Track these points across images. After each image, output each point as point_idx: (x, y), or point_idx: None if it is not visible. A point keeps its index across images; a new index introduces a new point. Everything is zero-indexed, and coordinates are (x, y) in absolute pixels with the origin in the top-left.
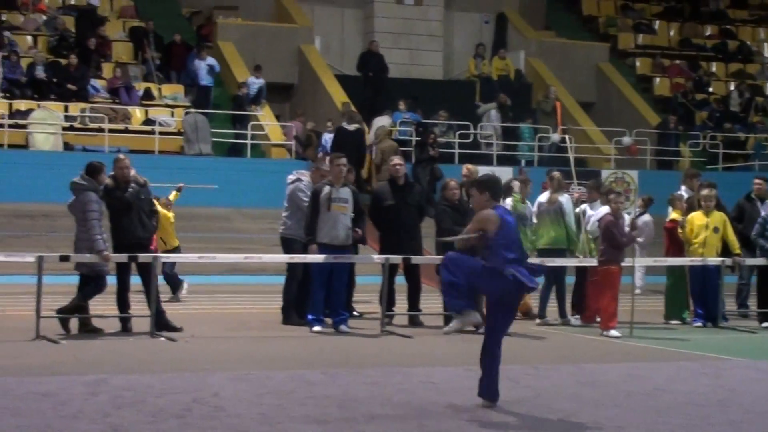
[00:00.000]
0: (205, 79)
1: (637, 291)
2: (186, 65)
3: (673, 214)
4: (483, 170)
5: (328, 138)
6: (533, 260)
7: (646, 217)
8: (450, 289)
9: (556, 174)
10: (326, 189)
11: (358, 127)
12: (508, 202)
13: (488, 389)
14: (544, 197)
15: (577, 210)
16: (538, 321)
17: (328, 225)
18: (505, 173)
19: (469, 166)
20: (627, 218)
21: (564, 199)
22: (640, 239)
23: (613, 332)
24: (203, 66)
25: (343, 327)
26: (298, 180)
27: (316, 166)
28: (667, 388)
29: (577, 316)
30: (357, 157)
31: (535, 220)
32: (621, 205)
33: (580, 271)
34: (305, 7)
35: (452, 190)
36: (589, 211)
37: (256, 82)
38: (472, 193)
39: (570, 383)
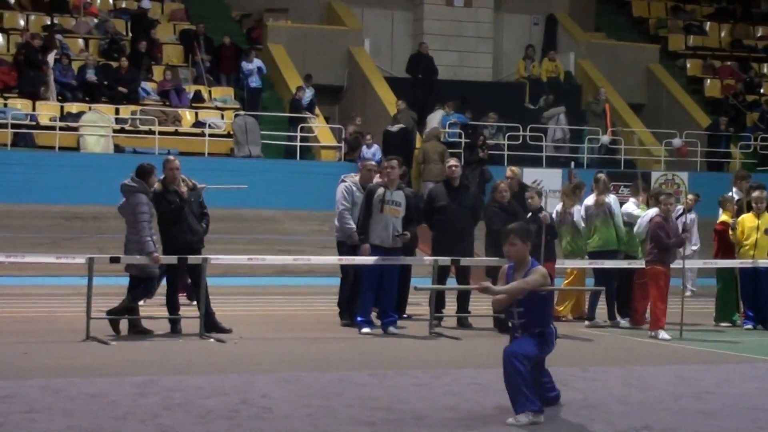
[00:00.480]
0: (255, 81)
1: (688, 293)
2: (237, 67)
3: (723, 216)
4: (532, 173)
5: (366, 151)
6: (583, 263)
7: (692, 215)
8: (521, 391)
9: (602, 176)
10: (380, 190)
11: (401, 127)
12: (631, 206)
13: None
14: (590, 200)
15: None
16: (587, 323)
17: (380, 226)
18: (554, 175)
19: (514, 168)
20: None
21: (611, 199)
22: (694, 247)
23: (662, 334)
24: (252, 68)
25: (391, 329)
26: (342, 182)
27: (363, 164)
28: (716, 391)
29: (626, 318)
30: (404, 156)
31: (582, 224)
32: (671, 206)
33: (624, 273)
34: (355, 10)
35: (502, 192)
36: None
37: (307, 92)
38: (514, 242)
39: (618, 385)
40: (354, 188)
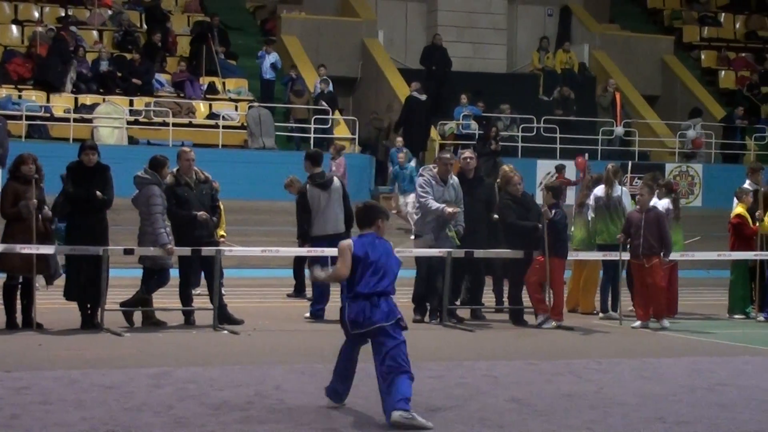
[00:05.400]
0: (269, 73)
1: None
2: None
3: (739, 209)
4: (546, 164)
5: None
6: (595, 255)
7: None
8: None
9: (610, 167)
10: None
11: (427, 98)
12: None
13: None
14: (600, 191)
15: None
16: (600, 315)
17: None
18: (568, 167)
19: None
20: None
21: (619, 192)
22: None
23: (636, 323)
24: (267, 60)
25: None
26: (420, 175)
27: (440, 158)
28: (730, 382)
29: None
30: (426, 127)
31: (592, 214)
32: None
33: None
34: (369, 1)
35: (515, 185)
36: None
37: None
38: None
39: (633, 377)
40: (433, 181)
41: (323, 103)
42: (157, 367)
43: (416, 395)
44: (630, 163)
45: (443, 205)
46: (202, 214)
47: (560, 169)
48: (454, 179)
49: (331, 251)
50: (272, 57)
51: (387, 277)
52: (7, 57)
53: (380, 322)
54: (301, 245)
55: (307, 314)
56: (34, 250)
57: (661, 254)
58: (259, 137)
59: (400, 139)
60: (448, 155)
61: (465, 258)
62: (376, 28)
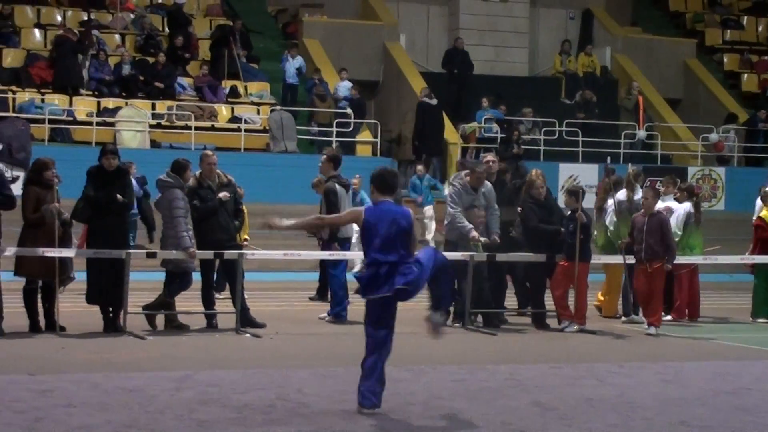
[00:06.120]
0: (292, 78)
1: None
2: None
3: (764, 211)
4: (568, 168)
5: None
6: (618, 258)
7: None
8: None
9: (630, 171)
10: None
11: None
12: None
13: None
14: (622, 195)
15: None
16: (623, 319)
17: None
18: (590, 170)
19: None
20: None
21: (640, 195)
22: None
23: (651, 329)
24: (291, 65)
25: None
26: (451, 184)
27: (473, 169)
28: (753, 387)
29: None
30: (440, 132)
31: (614, 218)
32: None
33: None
34: (390, 4)
35: (538, 188)
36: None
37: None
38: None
39: (655, 381)
40: (463, 191)
41: (346, 106)
42: (180, 370)
43: (438, 399)
44: (629, 165)
45: (470, 227)
46: (224, 194)
47: (610, 173)
48: (486, 186)
49: (353, 254)
50: (297, 61)
51: (393, 247)
52: (30, 61)
53: (388, 292)
54: (323, 245)
55: (324, 315)
56: (57, 253)
57: (665, 259)
58: (281, 141)
59: (420, 167)
60: (481, 168)
61: (487, 261)
62: (398, 32)
